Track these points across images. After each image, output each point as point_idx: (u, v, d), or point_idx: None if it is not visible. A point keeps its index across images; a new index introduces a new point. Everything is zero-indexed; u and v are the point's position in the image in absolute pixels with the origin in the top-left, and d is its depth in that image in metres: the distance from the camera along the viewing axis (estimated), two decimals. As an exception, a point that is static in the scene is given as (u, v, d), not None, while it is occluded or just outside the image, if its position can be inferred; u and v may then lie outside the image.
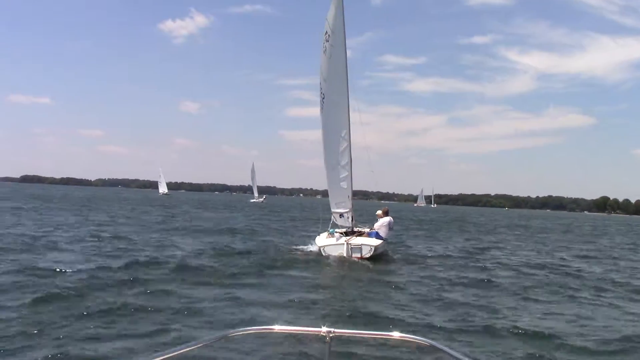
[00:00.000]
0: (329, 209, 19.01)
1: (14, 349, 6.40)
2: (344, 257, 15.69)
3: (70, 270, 11.54)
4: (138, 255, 14.65)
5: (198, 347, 2.53)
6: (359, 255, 15.75)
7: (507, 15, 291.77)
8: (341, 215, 18.27)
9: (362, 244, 15.97)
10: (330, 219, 18.70)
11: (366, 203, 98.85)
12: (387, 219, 17.44)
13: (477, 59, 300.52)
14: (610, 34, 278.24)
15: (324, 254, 16.12)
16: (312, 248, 17.66)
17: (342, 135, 17.62)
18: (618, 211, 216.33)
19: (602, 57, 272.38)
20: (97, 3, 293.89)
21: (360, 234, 17.18)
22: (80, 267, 12.19)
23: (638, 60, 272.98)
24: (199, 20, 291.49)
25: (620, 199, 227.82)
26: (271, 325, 2.77)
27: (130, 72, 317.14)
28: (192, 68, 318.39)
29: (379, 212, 18.08)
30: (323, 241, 16.80)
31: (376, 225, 17.34)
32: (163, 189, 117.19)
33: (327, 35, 16.99)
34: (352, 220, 18.14)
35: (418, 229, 36.75)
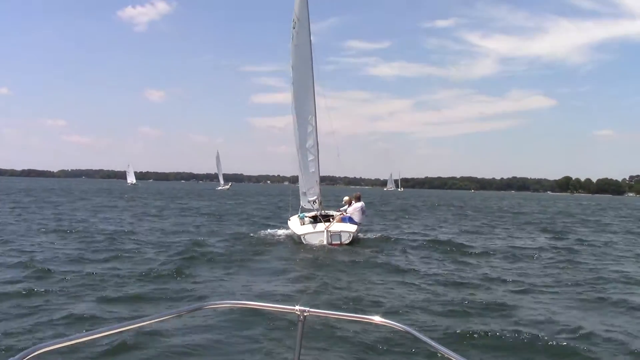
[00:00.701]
0: (298, 194, 19.39)
1: None
2: (324, 244, 15.77)
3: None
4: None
5: (172, 317, 2.60)
6: (338, 242, 15.89)
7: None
8: (313, 201, 18.45)
9: (341, 231, 16.17)
10: (299, 205, 19.07)
11: (333, 189, 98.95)
12: (359, 204, 17.69)
13: (441, 43, 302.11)
14: (570, 17, 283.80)
15: (304, 242, 16.18)
16: (283, 233, 18.31)
17: (309, 120, 17.93)
18: (580, 190, 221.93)
19: (562, 40, 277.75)
20: None
21: (330, 218, 17.34)
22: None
23: (597, 43, 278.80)
24: (160, 6, 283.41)
25: (582, 179, 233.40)
26: (245, 300, 2.83)
27: (92, 60, 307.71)
28: (155, 55, 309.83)
29: (347, 198, 18.48)
30: (302, 229, 16.81)
31: (349, 210, 17.55)
32: (131, 179, 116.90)
33: (294, 22, 17.33)
34: (320, 204, 18.31)
35: (390, 213, 36.37)
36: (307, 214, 18.11)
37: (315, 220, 17.28)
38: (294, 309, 2.52)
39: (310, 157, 18.34)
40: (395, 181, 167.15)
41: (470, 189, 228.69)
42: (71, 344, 2.01)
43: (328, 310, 2.85)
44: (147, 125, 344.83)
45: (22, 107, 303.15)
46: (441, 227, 25.52)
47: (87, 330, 2.02)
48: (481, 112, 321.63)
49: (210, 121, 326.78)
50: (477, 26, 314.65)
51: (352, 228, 16.43)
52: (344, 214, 17.52)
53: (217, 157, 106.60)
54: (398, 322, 2.60)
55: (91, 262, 11.90)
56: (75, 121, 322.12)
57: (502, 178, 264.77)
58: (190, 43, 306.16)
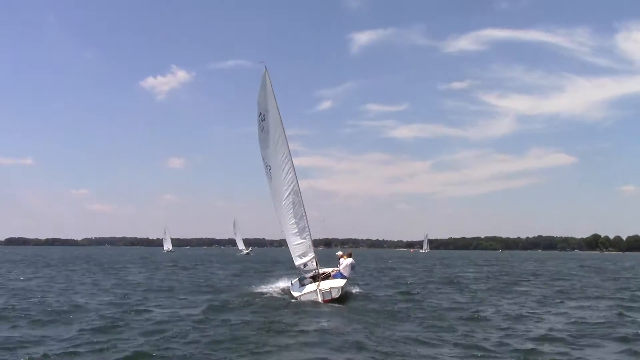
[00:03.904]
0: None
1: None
2: (318, 301, 17.69)
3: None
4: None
5: None
6: (329, 298, 17.77)
7: (483, 61, 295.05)
8: (305, 264, 20.36)
9: (330, 288, 18.02)
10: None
11: (355, 251, 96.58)
12: (349, 260, 19.95)
13: (458, 104, 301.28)
14: (586, 75, 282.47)
15: (300, 300, 18.28)
16: (283, 291, 20.96)
17: (293, 194, 19.88)
18: (610, 248, 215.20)
19: (579, 97, 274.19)
20: (76, 62, 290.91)
21: (327, 275, 19.54)
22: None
23: (615, 99, 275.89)
24: (181, 75, 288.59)
25: (610, 236, 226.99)
26: None
27: (114, 130, 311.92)
28: (176, 123, 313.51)
29: (340, 252, 21.02)
30: (297, 292, 19.10)
31: (341, 267, 19.80)
32: (168, 245, 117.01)
33: (261, 115, 19.62)
34: (316, 264, 20.18)
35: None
36: (307, 275, 20.23)
37: (314, 279, 19.40)
38: None
39: (302, 225, 20.13)
40: (419, 242, 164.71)
41: (496, 249, 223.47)
42: None
43: None
44: (168, 193, 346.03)
45: (46, 177, 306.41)
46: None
47: None
48: (501, 171, 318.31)
49: (231, 186, 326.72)
50: (493, 87, 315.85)
51: (341, 283, 18.40)
52: (336, 271, 19.73)
53: (234, 224, 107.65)
54: None
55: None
56: (98, 190, 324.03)
57: (527, 237, 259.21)
58: (210, 111, 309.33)
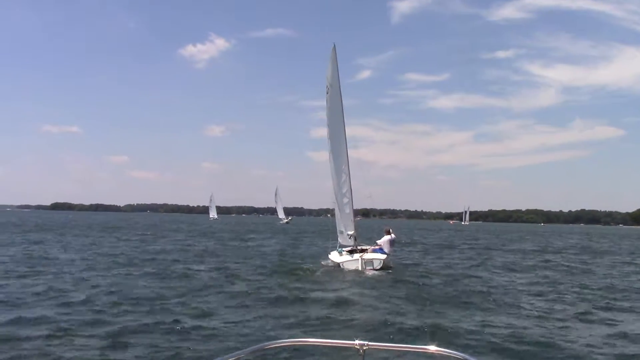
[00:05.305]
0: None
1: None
2: (359, 270, 19.00)
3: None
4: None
5: (234, 359, 2.59)
6: (371, 268, 19.16)
7: (528, 29, 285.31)
8: (349, 236, 21.40)
9: (373, 259, 19.47)
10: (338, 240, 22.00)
11: (393, 222, 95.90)
12: (388, 237, 20.53)
13: (501, 73, 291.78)
14: (636, 45, 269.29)
15: (342, 267, 19.64)
16: (328, 262, 20.95)
17: (343, 169, 21.11)
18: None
19: (628, 68, 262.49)
20: (119, 32, 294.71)
21: (364, 251, 20.21)
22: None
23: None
24: (220, 43, 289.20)
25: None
26: (306, 337, 3.15)
27: (155, 97, 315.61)
28: (215, 92, 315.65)
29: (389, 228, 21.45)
30: (340, 258, 20.20)
31: (379, 242, 20.50)
32: (213, 214, 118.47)
33: (327, 88, 20.90)
34: (355, 240, 21.19)
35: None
36: (344, 249, 20.93)
37: (352, 253, 20.29)
38: (353, 344, 2.61)
39: (346, 200, 21.39)
40: (458, 214, 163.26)
41: (537, 222, 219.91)
42: None
43: (386, 342, 2.91)
44: (208, 160, 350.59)
45: (91, 144, 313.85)
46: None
47: None
48: (544, 142, 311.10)
49: (270, 155, 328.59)
50: (537, 56, 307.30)
51: (382, 257, 19.59)
52: (376, 246, 20.42)
53: (276, 193, 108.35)
54: (455, 349, 2.70)
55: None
56: (139, 157, 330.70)
57: (569, 211, 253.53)
58: (249, 79, 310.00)
